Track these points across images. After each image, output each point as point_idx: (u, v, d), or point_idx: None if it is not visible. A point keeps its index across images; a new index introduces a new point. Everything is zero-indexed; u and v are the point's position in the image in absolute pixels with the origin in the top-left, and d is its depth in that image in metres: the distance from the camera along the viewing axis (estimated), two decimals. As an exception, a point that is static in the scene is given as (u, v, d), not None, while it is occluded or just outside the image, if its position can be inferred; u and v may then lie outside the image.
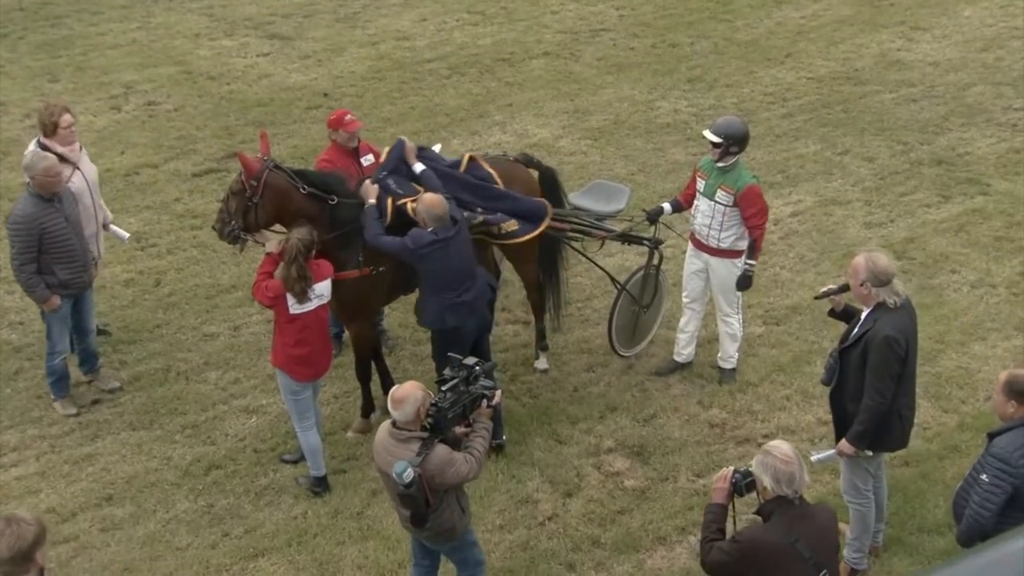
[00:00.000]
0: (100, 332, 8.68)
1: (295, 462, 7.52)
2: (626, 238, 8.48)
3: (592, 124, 12.25)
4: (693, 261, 8.13)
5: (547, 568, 6.76)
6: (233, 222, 7.18)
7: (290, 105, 12.66)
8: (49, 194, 7.49)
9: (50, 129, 7.89)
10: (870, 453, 6.33)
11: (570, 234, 8.35)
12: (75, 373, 8.33)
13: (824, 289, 6.61)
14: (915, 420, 7.55)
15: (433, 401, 5.57)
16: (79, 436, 7.87)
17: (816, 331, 8.74)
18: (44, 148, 7.89)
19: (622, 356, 8.51)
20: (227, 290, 9.44)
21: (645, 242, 8.40)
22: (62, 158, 7.86)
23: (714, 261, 7.97)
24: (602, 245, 8.76)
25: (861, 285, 6.09)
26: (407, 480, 5.32)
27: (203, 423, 8.00)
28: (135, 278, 9.51)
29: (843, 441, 6.24)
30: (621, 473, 7.50)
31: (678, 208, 8.24)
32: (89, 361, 8.30)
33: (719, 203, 7.76)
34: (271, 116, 12.38)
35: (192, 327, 9.01)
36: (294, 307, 6.85)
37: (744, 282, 7.89)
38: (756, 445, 7.29)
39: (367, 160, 8.07)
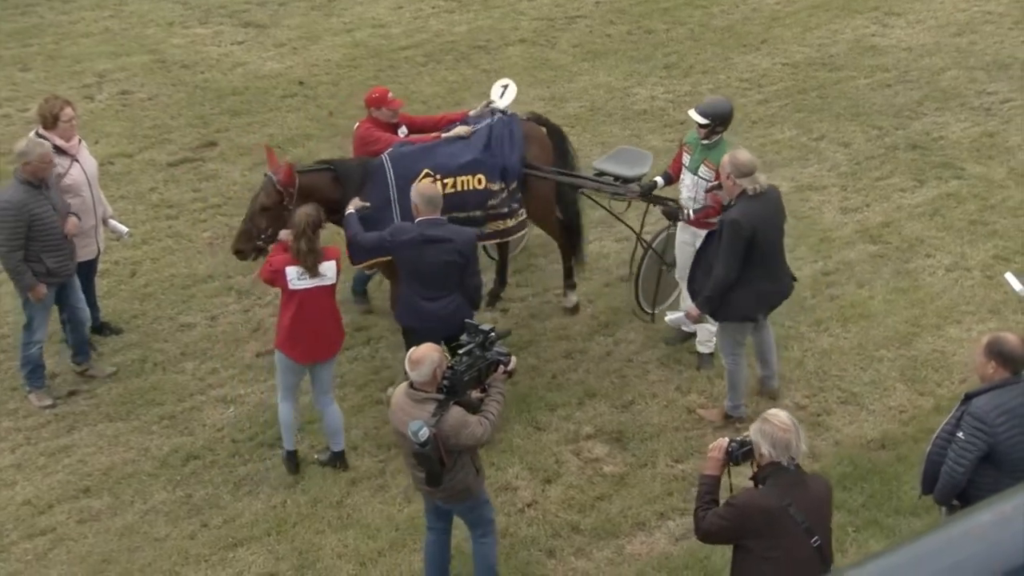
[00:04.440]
0: (110, 330, 8.70)
1: (325, 463, 7.44)
2: (651, 199, 8.57)
3: (569, 111, 12.23)
4: (682, 233, 8.29)
5: (527, 555, 6.77)
6: (263, 236, 7.56)
7: (265, 94, 12.59)
8: (39, 181, 7.50)
9: (50, 122, 7.94)
10: (711, 321, 7.58)
11: (584, 190, 8.73)
12: (50, 365, 8.27)
13: (708, 186, 7.69)
14: (889, 404, 7.56)
15: (450, 364, 5.72)
16: (55, 428, 7.82)
17: (791, 316, 8.77)
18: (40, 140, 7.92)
19: (647, 314, 8.68)
20: (203, 280, 9.39)
21: (669, 203, 8.53)
22: (60, 151, 7.91)
23: (702, 232, 8.05)
24: (629, 206, 8.92)
25: (728, 178, 7.16)
26: (422, 439, 5.45)
27: (180, 414, 7.97)
28: (110, 268, 9.43)
29: (690, 305, 7.53)
30: (600, 459, 7.51)
31: (669, 180, 8.43)
32: (84, 351, 8.25)
33: (701, 178, 7.90)
34: (246, 105, 12.30)
35: (168, 317, 8.96)
36: (294, 282, 6.96)
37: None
38: (734, 430, 7.33)
39: (402, 132, 8.41)
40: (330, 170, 7.76)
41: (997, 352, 5.60)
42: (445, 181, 7.75)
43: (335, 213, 7.50)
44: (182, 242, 9.87)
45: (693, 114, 7.89)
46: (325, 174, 7.73)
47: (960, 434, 5.53)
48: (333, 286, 7.12)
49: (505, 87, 8.38)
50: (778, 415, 5.08)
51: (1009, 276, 6.97)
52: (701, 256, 7.43)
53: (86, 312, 8.16)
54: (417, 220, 7.11)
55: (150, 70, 13.12)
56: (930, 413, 7.81)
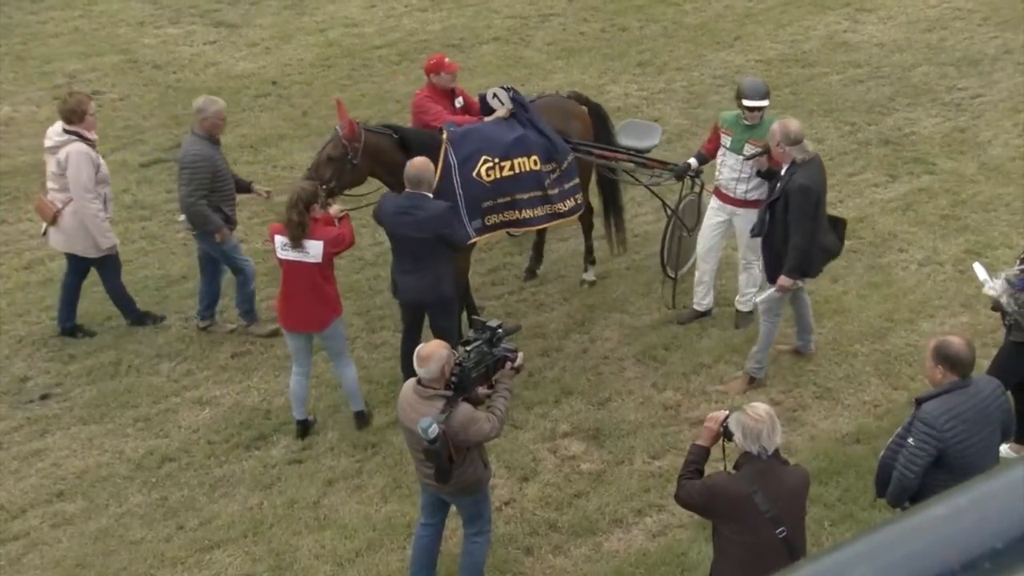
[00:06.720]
0: (83, 332, 8.66)
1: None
2: (673, 171, 8.84)
3: (543, 109, 12.23)
4: (717, 214, 8.46)
5: (505, 553, 6.77)
6: (325, 187, 7.65)
7: (238, 94, 12.52)
8: (214, 138, 8.03)
9: (78, 116, 8.07)
10: (802, 283, 7.72)
11: (614, 166, 8.97)
12: (23, 368, 8.18)
13: (752, 152, 7.89)
14: (864, 399, 7.60)
15: (458, 360, 5.75)
16: (28, 431, 7.75)
17: (768, 312, 8.82)
18: (72, 135, 8.03)
19: (671, 279, 8.88)
20: (177, 281, 9.34)
21: (688, 174, 8.83)
22: (90, 143, 8.09)
23: (740, 211, 8.25)
24: (651, 175, 9.10)
25: (777, 146, 7.39)
26: (432, 435, 5.46)
27: (155, 415, 7.92)
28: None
29: (781, 277, 7.54)
30: (577, 457, 7.52)
31: (703, 160, 8.66)
32: (214, 305, 8.64)
33: (746, 157, 8.07)
34: (219, 104, 12.22)
35: (142, 319, 8.90)
36: (279, 251, 7.19)
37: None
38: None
39: (459, 102, 8.66)
40: (394, 135, 7.94)
41: (943, 357, 5.52)
42: (503, 164, 8.01)
43: (393, 175, 7.79)
44: (156, 243, 9.81)
45: (755, 102, 7.97)
46: (390, 138, 7.93)
47: (910, 440, 5.48)
48: (318, 265, 7.16)
49: (495, 95, 8.47)
50: (756, 407, 5.16)
51: (977, 266, 7.02)
52: (770, 234, 7.52)
53: (251, 264, 8.56)
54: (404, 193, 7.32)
55: (121, 70, 13.03)
56: (904, 407, 7.84)
